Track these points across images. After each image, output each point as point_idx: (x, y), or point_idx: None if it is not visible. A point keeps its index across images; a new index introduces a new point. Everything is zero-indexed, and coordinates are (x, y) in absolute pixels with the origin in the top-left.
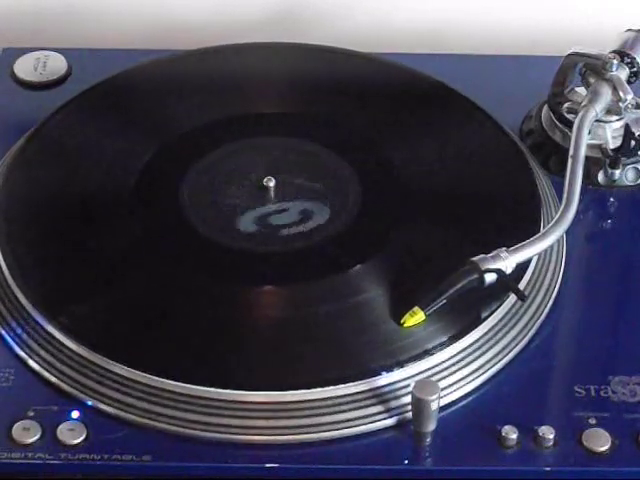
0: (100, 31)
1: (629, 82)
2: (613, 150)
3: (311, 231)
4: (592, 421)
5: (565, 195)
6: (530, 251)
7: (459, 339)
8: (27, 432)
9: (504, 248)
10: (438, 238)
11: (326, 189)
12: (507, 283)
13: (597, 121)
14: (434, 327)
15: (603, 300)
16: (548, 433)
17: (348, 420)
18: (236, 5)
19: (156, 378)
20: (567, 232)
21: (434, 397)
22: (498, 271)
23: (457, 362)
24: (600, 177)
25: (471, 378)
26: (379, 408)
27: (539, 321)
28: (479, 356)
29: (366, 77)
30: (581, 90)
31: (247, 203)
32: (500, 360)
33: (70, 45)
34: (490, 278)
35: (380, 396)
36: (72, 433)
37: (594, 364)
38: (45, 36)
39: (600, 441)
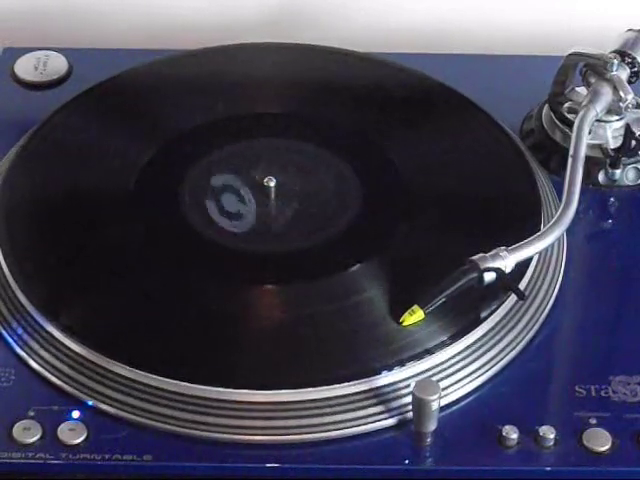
0: (100, 31)
1: (630, 82)
2: (613, 150)
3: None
4: (592, 421)
5: (565, 195)
6: (529, 250)
7: (459, 339)
8: (27, 432)
9: (503, 247)
10: (438, 237)
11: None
12: (506, 282)
13: (597, 121)
14: (435, 327)
15: (603, 300)
16: (548, 433)
17: (348, 420)
18: (236, 5)
19: (156, 378)
20: (567, 232)
21: (434, 397)
22: (497, 270)
23: (457, 362)
24: (600, 177)
25: (471, 378)
26: (379, 408)
27: (539, 321)
28: (479, 356)
29: (366, 77)
30: (581, 90)
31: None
32: (500, 360)
33: (70, 45)
34: (489, 277)
35: (380, 396)
36: (72, 433)
37: (594, 364)
38: (45, 36)
39: (600, 441)
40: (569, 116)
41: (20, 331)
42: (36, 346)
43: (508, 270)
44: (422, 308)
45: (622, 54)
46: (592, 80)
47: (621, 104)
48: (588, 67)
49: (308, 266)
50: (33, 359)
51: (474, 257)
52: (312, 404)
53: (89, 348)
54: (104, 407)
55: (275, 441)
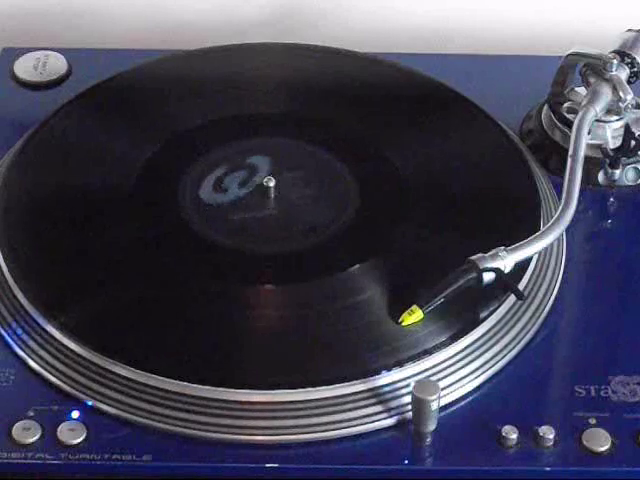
0: (100, 31)
1: (629, 82)
2: (613, 150)
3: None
4: (592, 421)
5: (564, 195)
6: (529, 250)
7: (459, 339)
8: (27, 432)
9: (502, 247)
10: (438, 238)
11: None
12: (505, 282)
13: (597, 121)
14: (434, 327)
15: (603, 300)
16: (548, 433)
17: (348, 420)
18: (236, 5)
19: (156, 378)
20: (567, 232)
21: (434, 397)
22: (496, 270)
23: (457, 362)
24: (600, 177)
25: (471, 378)
26: (379, 408)
27: (539, 321)
28: (479, 356)
29: (366, 77)
30: (581, 90)
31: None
32: (500, 360)
33: (70, 45)
34: (488, 277)
35: (380, 396)
36: (72, 433)
37: (594, 364)
38: (45, 36)
39: (600, 441)
40: (569, 116)
41: (20, 331)
42: (36, 346)
43: (507, 270)
44: (421, 308)
45: (622, 54)
46: (592, 80)
47: (621, 104)
48: (587, 67)
49: (308, 266)
50: (33, 359)
51: (473, 257)
52: (312, 404)
53: (89, 348)
54: (104, 407)
55: (275, 441)
